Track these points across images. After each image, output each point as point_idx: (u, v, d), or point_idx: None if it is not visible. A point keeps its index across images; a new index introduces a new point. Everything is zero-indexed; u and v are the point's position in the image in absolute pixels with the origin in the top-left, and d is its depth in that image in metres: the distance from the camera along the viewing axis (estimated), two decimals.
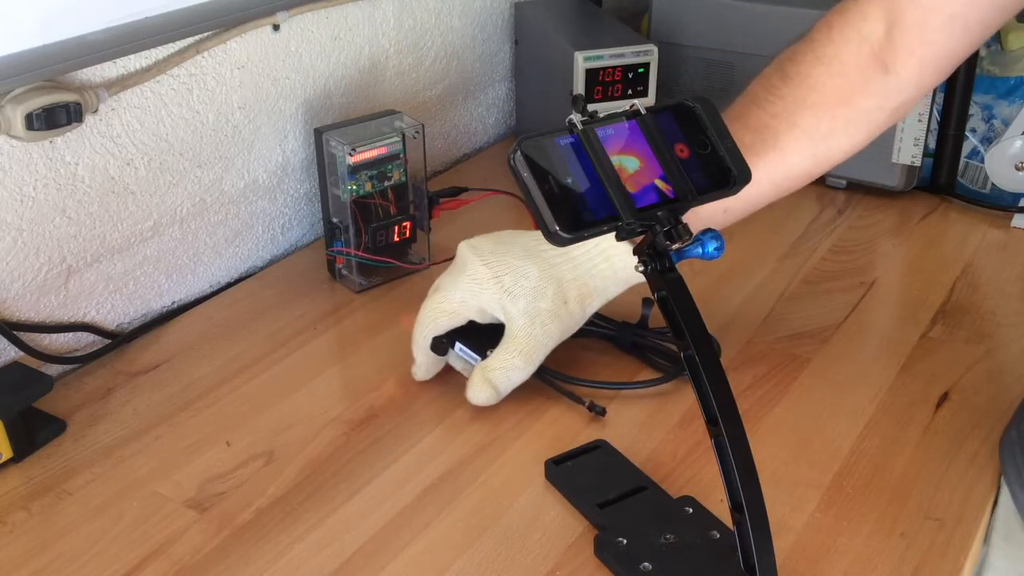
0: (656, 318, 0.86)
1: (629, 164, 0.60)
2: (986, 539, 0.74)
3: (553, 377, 0.83)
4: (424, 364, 0.84)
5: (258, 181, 1.04)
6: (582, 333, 0.86)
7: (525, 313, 0.79)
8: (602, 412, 0.80)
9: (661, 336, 0.87)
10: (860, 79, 0.74)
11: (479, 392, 0.80)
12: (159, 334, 0.93)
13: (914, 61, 0.73)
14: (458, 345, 0.82)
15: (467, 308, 0.80)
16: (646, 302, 0.87)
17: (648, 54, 1.11)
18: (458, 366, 0.84)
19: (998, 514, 0.74)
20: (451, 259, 0.84)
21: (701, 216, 0.70)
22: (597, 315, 0.87)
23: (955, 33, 0.72)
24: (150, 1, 0.84)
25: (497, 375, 0.79)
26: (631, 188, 0.59)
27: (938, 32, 0.72)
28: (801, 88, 0.75)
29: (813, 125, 0.76)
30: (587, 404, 0.81)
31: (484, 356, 0.81)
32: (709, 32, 1.19)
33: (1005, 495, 0.74)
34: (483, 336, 0.82)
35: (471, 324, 0.83)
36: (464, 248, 0.82)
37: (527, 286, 0.79)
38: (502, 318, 0.80)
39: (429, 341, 0.82)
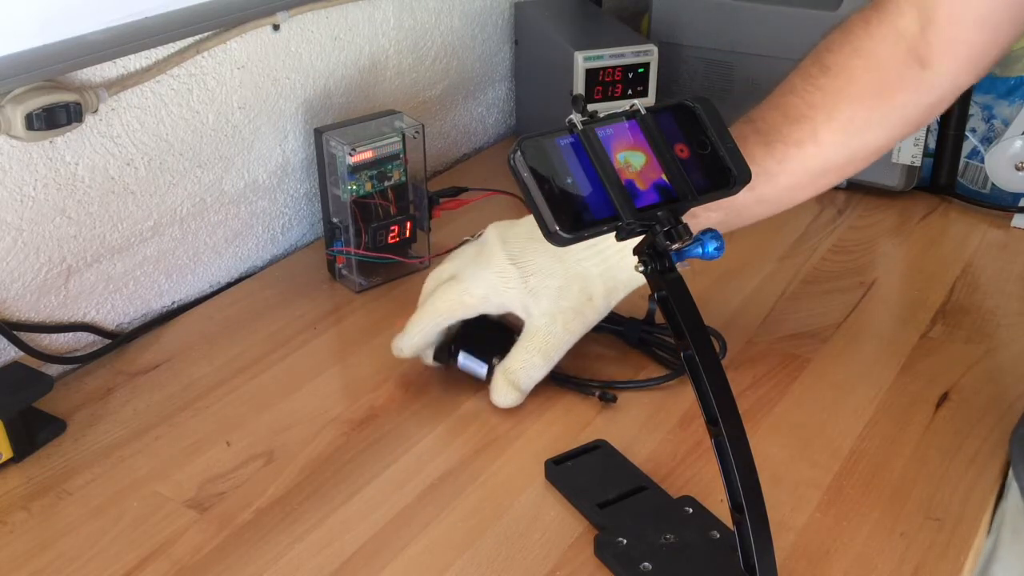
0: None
1: (635, 160, 0.60)
2: (991, 531, 0.74)
3: (558, 378, 0.83)
4: (418, 347, 0.83)
5: (258, 181, 1.04)
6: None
7: (547, 313, 0.79)
8: (613, 399, 0.81)
9: (667, 332, 0.87)
10: (896, 73, 0.74)
11: (504, 396, 0.80)
12: (159, 334, 0.93)
13: (948, 57, 0.73)
14: (462, 355, 0.83)
15: (487, 304, 0.81)
16: (652, 298, 0.88)
17: (648, 54, 1.11)
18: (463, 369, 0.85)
19: (1006, 509, 0.74)
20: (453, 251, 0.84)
21: (736, 206, 0.71)
22: None
23: (986, 30, 0.72)
24: (150, 1, 0.84)
25: (519, 376, 0.79)
26: (641, 185, 0.59)
27: (969, 29, 0.72)
28: (839, 80, 0.76)
29: (849, 117, 0.76)
30: (598, 394, 0.81)
31: (490, 363, 0.82)
32: (709, 32, 1.19)
33: (1014, 490, 0.74)
34: (485, 340, 0.83)
35: (471, 327, 0.84)
36: (494, 236, 0.82)
37: (552, 286, 0.79)
38: (522, 316, 0.80)
39: (440, 329, 0.82)
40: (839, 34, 0.77)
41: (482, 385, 0.82)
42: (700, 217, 0.73)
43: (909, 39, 0.73)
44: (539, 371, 0.80)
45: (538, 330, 0.79)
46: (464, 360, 0.83)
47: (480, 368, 0.82)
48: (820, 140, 0.76)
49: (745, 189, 0.73)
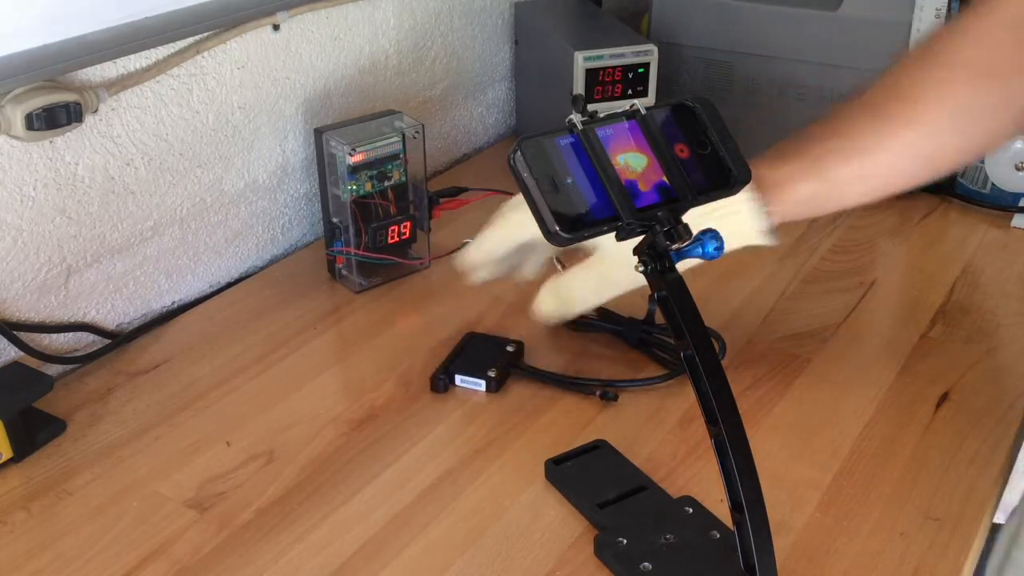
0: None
1: (635, 160, 0.60)
2: (1014, 515, 0.73)
3: (556, 379, 0.83)
4: (486, 254, 0.81)
5: (258, 181, 1.04)
6: (589, 327, 0.88)
7: (619, 249, 0.77)
8: (615, 398, 0.81)
9: (666, 332, 0.87)
10: (1006, 61, 0.73)
11: (545, 303, 0.78)
12: (159, 334, 0.93)
13: None
14: (458, 378, 0.83)
15: None
16: (652, 298, 0.88)
17: (648, 54, 1.11)
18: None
19: None
20: (453, 252, 0.84)
21: (834, 179, 0.70)
22: (604, 310, 0.88)
23: None
24: (150, 1, 0.84)
25: (569, 288, 0.77)
26: (641, 185, 0.59)
27: None
28: (947, 66, 0.75)
29: (959, 102, 0.75)
30: (599, 393, 0.81)
31: (486, 378, 0.82)
32: (709, 32, 1.19)
33: None
34: (477, 358, 0.84)
35: (467, 346, 0.85)
36: None
37: None
38: (592, 245, 0.78)
39: (512, 244, 0.80)
40: (946, 29, 0.76)
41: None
42: (787, 188, 0.72)
43: (1017, 27, 0.72)
44: (590, 294, 0.78)
45: (604, 259, 0.77)
46: (461, 382, 0.83)
47: (479, 384, 0.83)
48: (928, 121, 0.75)
49: (846, 162, 0.71)
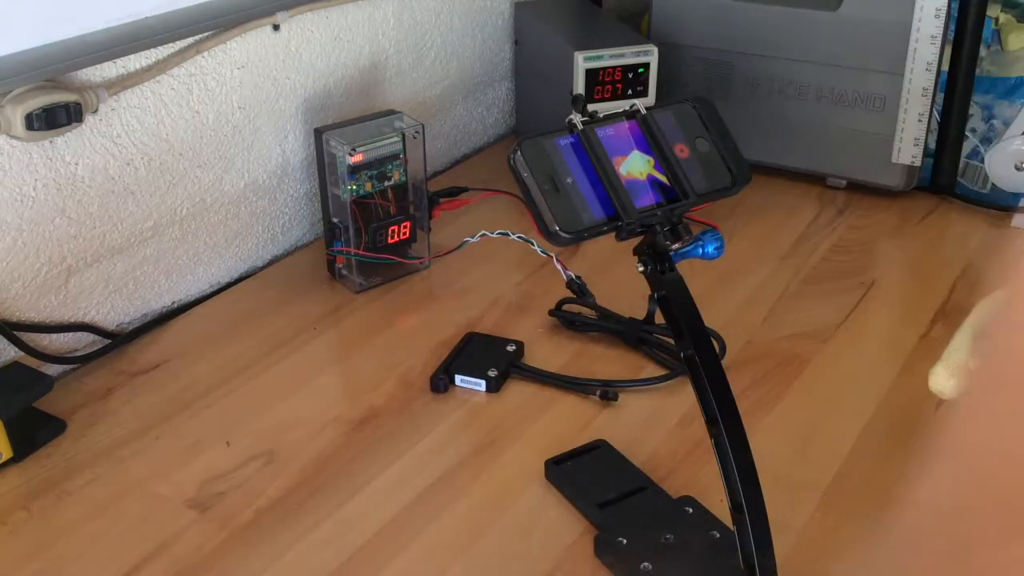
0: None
1: (636, 160, 0.60)
2: None
3: (556, 379, 0.83)
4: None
5: (258, 181, 1.04)
6: (589, 327, 0.88)
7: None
8: (615, 397, 0.81)
9: (666, 332, 0.87)
10: None
11: (941, 382, 0.77)
12: (159, 334, 0.93)
13: None
14: (458, 378, 0.84)
15: None
16: (652, 298, 0.88)
17: (648, 54, 1.11)
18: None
19: None
20: (453, 252, 0.84)
21: None
22: (604, 310, 0.89)
23: None
24: (150, 1, 0.84)
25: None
26: (641, 186, 0.60)
27: None
28: None
29: None
30: (598, 393, 0.81)
31: (486, 378, 0.82)
32: (709, 32, 1.19)
33: None
34: (476, 358, 0.84)
35: (467, 346, 0.85)
36: None
37: None
38: None
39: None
40: None
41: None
42: None
43: None
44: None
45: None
46: (461, 382, 0.84)
47: (479, 384, 0.83)
48: None
49: None
